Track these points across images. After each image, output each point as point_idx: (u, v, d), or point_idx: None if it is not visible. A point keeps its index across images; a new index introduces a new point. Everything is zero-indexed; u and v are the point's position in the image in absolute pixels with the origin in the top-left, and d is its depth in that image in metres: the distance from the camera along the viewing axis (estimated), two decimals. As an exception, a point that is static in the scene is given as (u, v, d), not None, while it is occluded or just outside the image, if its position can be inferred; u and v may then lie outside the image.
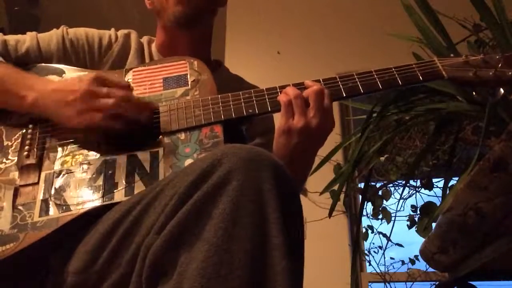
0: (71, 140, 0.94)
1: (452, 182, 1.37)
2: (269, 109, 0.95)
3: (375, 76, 0.96)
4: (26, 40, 1.10)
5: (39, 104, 0.93)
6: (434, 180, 1.89)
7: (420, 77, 0.95)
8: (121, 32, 1.20)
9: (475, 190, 0.99)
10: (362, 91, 0.95)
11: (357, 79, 0.96)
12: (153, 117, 0.95)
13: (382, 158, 2.00)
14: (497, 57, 0.95)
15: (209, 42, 1.25)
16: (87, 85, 0.91)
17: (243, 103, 0.95)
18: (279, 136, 0.93)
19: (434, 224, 1.37)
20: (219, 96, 0.96)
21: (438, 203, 1.74)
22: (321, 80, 0.96)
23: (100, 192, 0.85)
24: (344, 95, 0.95)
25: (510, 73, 0.92)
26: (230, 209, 0.64)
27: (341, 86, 0.95)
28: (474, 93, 1.04)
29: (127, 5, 3.67)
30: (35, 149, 0.92)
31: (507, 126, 0.96)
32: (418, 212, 1.95)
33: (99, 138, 0.94)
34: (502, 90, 0.94)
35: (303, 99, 0.91)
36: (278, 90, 0.96)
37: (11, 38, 1.09)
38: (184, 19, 1.12)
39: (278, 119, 0.95)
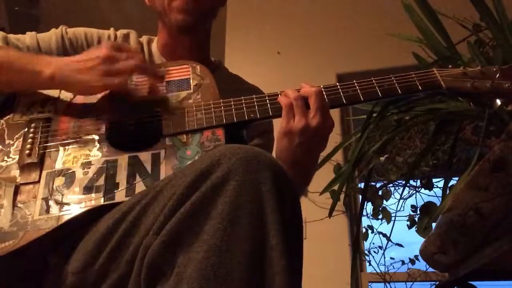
0: (72, 140, 0.94)
1: (452, 182, 1.37)
2: (271, 114, 0.96)
3: (375, 84, 0.97)
4: (26, 39, 1.10)
5: (57, 76, 0.94)
6: (434, 180, 1.89)
7: (419, 87, 0.97)
8: (120, 32, 1.20)
9: (475, 190, 0.99)
10: (362, 99, 0.96)
11: (357, 87, 0.97)
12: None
13: (382, 158, 2.00)
14: (494, 69, 0.96)
15: (208, 43, 1.25)
16: (107, 50, 0.93)
17: (244, 108, 0.96)
18: (281, 138, 0.93)
19: (434, 224, 1.37)
20: (221, 100, 0.97)
21: (438, 203, 1.74)
22: (322, 87, 0.97)
23: (101, 192, 0.86)
24: (345, 102, 0.96)
25: (506, 85, 0.93)
26: (228, 210, 0.64)
27: (341, 93, 0.97)
28: (471, 104, 1.05)
29: (127, 5, 3.68)
30: (36, 148, 0.93)
31: (507, 126, 0.96)
32: (418, 212, 1.94)
33: (103, 127, 0.96)
34: (498, 101, 0.95)
35: (303, 101, 0.92)
36: (279, 95, 0.97)
37: (12, 37, 1.10)
38: (186, 27, 1.12)
39: (279, 122, 0.95)
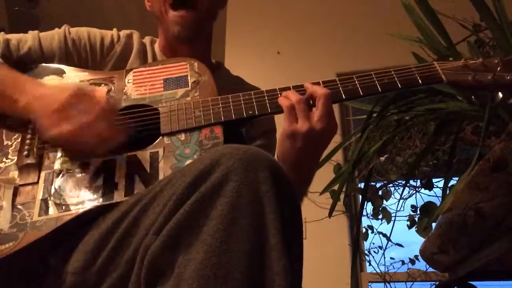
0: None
1: (452, 182, 1.37)
2: (269, 110, 0.95)
3: (375, 78, 0.95)
4: (28, 39, 1.09)
5: (30, 108, 0.90)
6: (434, 180, 1.89)
7: (420, 81, 0.95)
8: (123, 32, 1.19)
9: (475, 190, 1.00)
10: (361, 93, 0.95)
11: (356, 82, 0.96)
12: (125, 141, 0.89)
13: (382, 158, 2.00)
14: (496, 61, 0.94)
15: (209, 45, 1.25)
16: (67, 97, 0.87)
17: (243, 104, 0.95)
18: (284, 140, 0.92)
19: (434, 224, 1.37)
20: (219, 97, 0.96)
21: (438, 203, 1.74)
22: (321, 82, 0.96)
23: (100, 192, 0.85)
24: (344, 97, 0.95)
25: (508, 77, 0.91)
26: (228, 210, 0.64)
27: (340, 88, 0.95)
28: (473, 97, 1.04)
29: (128, 5, 3.68)
30: (35, 149, 0.92)
31: (507, 126, 0.96)
32: (418, 212, 1.95)
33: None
34: (500, 94, 0.93)
35: (305, 104, 0.91)
36: (278, 92, 0.96)
37: (13, 37, 1.09)
38: (184, 39, 1.12)
39: (281, 123, 0.94)
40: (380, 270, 2.38)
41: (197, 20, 1.11)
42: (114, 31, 1.18)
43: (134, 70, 1.05)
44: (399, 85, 0.95)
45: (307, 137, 0.89)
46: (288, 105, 0.91)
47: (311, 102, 0.93)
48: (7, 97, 0.93)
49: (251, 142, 1.15)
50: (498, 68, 0.92)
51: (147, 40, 1.23)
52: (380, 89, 0.95)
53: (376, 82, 0.95)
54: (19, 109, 0.92)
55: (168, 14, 1.10)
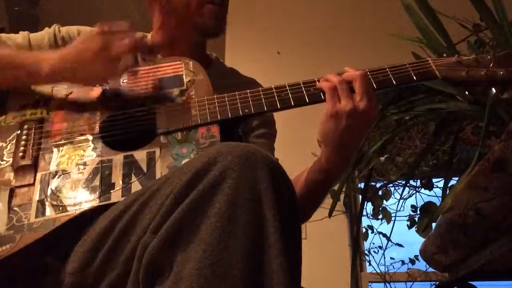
0: (66, 141, 0.94)
1: (452, 182, 1.37)
2: (265, 108, 0.95)
3: (370, 76, 0.96)
4: (17, 38, 1.09)
5: (56, 72, 0.93)
6: (434, 180, 1.89)
7: (414, 77, 0.96)
8: None
9: (475, 190, 0.99)
10: None
11: None
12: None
13: (382, 158, 2.00)
14: (489, 57, 0.95)
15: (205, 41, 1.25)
16: (100, 36, 0.93)
17: (239, 103, 0.95)
18: (327, 120, 0.92)
19: (434, 224, 1.37)
20: (215, 96, 0.96)
21: (438, 203, 1.74)
22: (316, 80, 0.96)
23: (97, 192, 0.85)
24: None
25: (501, 72, 0.92)
26: (226, 208, 0.64)
27: None
28: (466, 92, 1.04)
29: (127, 5, 3.67)
30: (30, 150, 0.92)
31: (507, 126, 0.96)
32: (418, 212, 1.94)
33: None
34: (493, 90, 0.94)
35: (347, 84, 0.92)
36: (273, 90, 0.96)
37: (2, 36, 1.09)
38: (215, 32, 1.15)
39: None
40: (380, 270, 2.38)
41: (225, 13, 1.15)
42: None
43: (129, 70, 1.05)
44: (394, 82, 0.95)
45: (351, 116, 0.90)
46: (330, 86, 0.92)
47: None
48: (25, 69, 0.95)
49: (252, 132, 1.16)
50: (491, 64, 0.93)
51: (138, 35, 1.22)
52: (375, 86, 0.95)
53: (372, 79, 0.95)
54: (43, 77, 0.94)
55: (203, 8, 1.11)
